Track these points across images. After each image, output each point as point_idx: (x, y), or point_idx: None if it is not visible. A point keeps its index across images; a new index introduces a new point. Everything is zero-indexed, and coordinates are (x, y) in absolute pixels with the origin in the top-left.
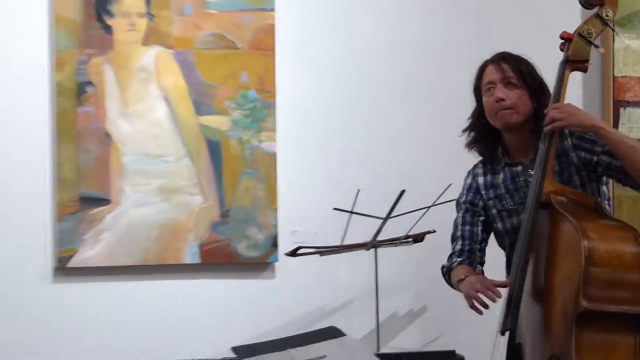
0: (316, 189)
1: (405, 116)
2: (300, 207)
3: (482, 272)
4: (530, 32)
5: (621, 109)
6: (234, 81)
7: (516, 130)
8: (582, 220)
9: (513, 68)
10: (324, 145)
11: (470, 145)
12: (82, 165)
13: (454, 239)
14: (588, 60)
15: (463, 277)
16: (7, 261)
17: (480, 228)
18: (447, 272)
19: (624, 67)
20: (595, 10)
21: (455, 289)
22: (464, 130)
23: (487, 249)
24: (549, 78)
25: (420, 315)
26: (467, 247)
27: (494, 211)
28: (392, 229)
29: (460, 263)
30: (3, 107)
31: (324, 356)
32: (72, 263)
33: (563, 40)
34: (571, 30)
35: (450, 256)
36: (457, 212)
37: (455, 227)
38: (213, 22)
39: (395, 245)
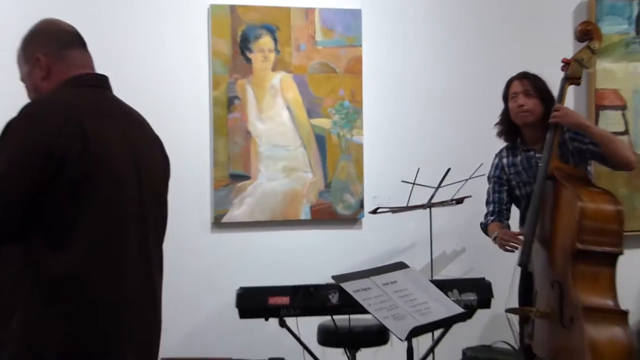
0: (390, 167)
1: (451, 116)
2: (379, 180)
3: (508, 226)
4: (533, 57)
5: (600, 111)
6: (334, 95)
7: (530, 126)
8: (577, 188)
9: (530, 83)
10: (395, 138)
11: (500, 134)
12: (231, 153)
13: (487, 203)
14: (581, 78)
15: (495, 235)
16: (180, 218)
17: (505, 195)
18: (484, 227)
19: (602, 82)
20: (587, 43)
21: (492, 239)
22: (496, 125)
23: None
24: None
25: (461, 254)
26: (497, 209)
27: (514, 182)
28: (442, 195)
29: (493, 221)
30: (177, 114)
31: (395, 281)
32: (225, 219)
33: (564, 64)
34: (568, 55)
35: (486, 215)
36: (489, 184)
37: (488, 194)
38: (320, 55)
39: (444, 205)
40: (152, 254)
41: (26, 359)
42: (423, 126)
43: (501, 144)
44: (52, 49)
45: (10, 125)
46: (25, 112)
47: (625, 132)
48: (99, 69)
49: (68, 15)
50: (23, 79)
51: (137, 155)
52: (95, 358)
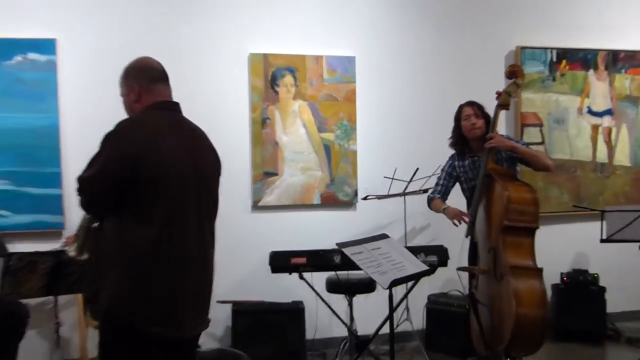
0: (376, 167)
1: (418, 131)
2: (368, 176)
3: (446, 202)
4: (476, 90)
5: (524, 128)
6: (336, 116)
7: (477, 139)
8: (505, 182)
9: (477, 108)
10: (380, 147)
11: (452, 145)
12: (264, 157)
13: (437, 184)
14: (509, 104)
15: (445, 207)
16: (229, 202)
17: (451, 184)
18: (430, 199)
19: (525, 107)
20: (514, 79)
21: (434, 210)
22: (449, 138)
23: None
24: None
25: (426, 228)
26: (443, 190)
27: (462, 178)
28: (412, 187)
29: (439, 198)
30: (227, 130)
31: (380, 247)
32: (260, 203)
33: (497, 95)
34: (500, 88)
35: (433, 192)
36: (441, 172)
37: (439, 179)
38: (326, 88)
39: (414, 194)
40: (206, 232)
41: (116, 301)
42: (399, 138)
43: (451, 152)
44: (144, 82)
45: (107, 136)
46: (118, 127)
47: (542, 143)
48: (176, 97)
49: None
50: (122, 96)
51: (197, 161)
52: (165, 303)
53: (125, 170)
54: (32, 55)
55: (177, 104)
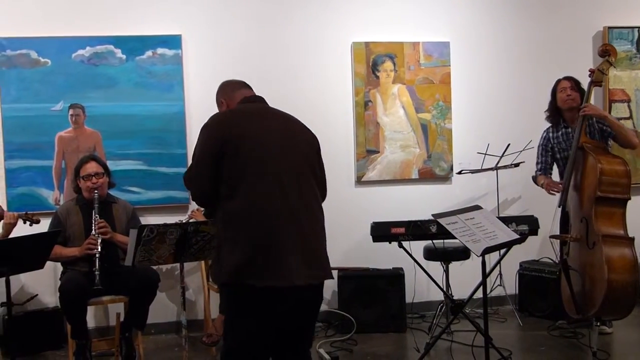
0: (469, 144)
1: (510, 110)
2: (463, 152)
3: (551, 177)
4: (564, 68)
5: (612, 104)
6: (432, 98)
7: (571, 110)
8: (598, 155)
9: (574, 82)
10: (473, 124)
11: (548, 117)
12: (367, 136)
13: (537, 163)
14: (602, 81)
15: (542, 182)
16: (336, 178)
17: (549, 158)
18: (534, 178)
19: (613, 84)
20: (606, 57)
21: (539, 186)
22: (546, 111)
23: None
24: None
25: (517, 200)
26: (543, 167)
27: (556, 149)
28: (504, 161)
29: (540, 174)
30: (333, 113)
31: (473, 217)
32: (363, 179)
33: (590, 72)
34: (587, 69)
35: (536, 171)
36: (538, 150)
37: (537, 156)
38: (423, 72)
39: (506, 168)
40: (304, 193)
41: (218, 258)
42: (491, 116)
43: (541, 128)
44: (228, 93)
45: (202, 127)
46: (210, 119)
47: (630, 117)
48: (288, 86)
49: (271, 60)
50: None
51: (282, 135)
52: (254, 261)
53: (217, 148)
54: (160, 50)
55: (261, 97)
